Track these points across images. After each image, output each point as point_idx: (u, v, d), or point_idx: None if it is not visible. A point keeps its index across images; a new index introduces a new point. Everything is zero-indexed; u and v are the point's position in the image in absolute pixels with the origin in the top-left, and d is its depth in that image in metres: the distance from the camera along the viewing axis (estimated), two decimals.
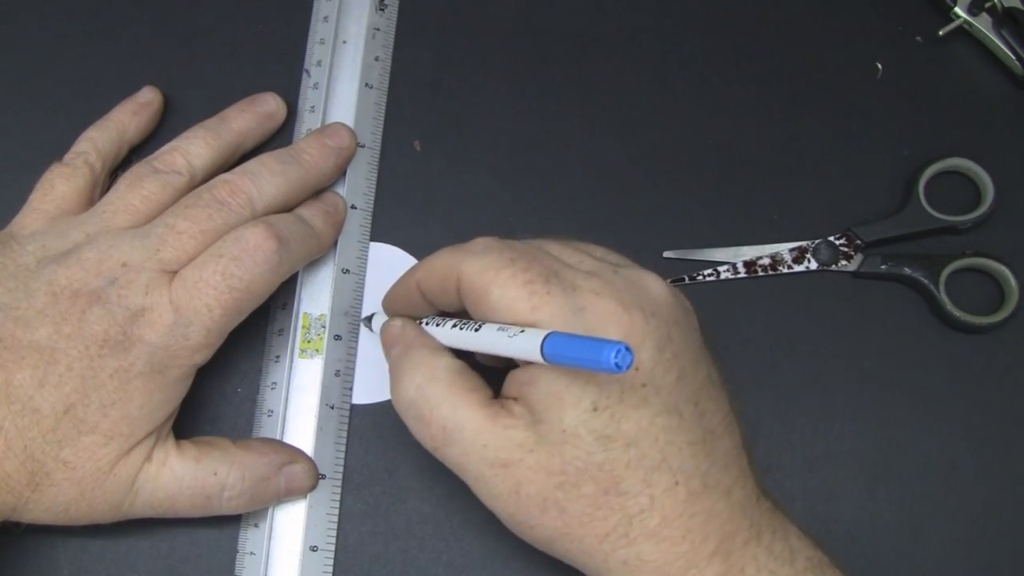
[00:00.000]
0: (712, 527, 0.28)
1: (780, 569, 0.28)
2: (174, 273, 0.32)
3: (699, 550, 0.28)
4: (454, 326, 0.30)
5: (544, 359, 0.25)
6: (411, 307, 0.33)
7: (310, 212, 0.36)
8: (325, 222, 0.36)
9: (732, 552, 0.28)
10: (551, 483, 0.28)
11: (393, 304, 0.34)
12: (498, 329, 0.27)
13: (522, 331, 0.26)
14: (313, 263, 0.37)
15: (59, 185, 0.35)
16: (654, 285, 0.29)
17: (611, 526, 0.27)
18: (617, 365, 0.23)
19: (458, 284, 0.29)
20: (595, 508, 0.27)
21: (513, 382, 0.29)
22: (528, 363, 0.28)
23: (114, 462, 0.31)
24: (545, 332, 0.25)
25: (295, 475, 0.34)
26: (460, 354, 0.31)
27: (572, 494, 0.27)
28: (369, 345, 0.38)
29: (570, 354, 0.24)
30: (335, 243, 0.38)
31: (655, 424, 0.27)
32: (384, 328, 0.33)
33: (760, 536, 0.29)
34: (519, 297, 0.27)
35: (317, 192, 0.38)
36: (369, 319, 0.37)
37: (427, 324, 0.32)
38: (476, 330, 0.28)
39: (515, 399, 0.29)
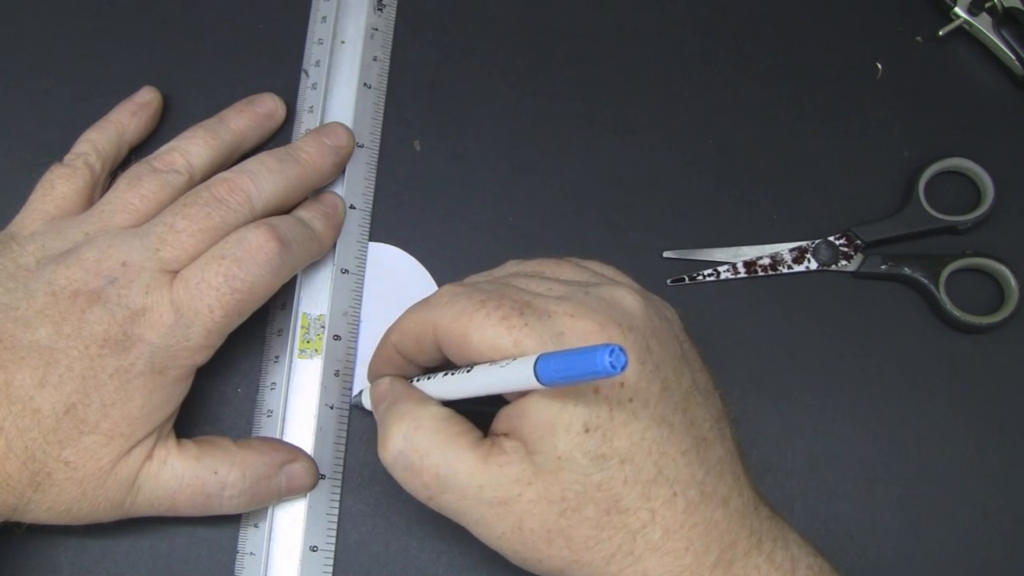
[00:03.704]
0: (713, 537, 0.28)
1: None
2: (174, 273, 0.32)
3: (702, 561, 0.27)
4: (444, 375, 0.30)
5: (539, 382, 0.25)
6: (395, 370, 0.33)
7: (310, 214, 0.36)
8: (325, 224, 0.36)
9: (734, 562, 0.28)
10: (553, 512, 0.27)
11: (377, 372, 0.34)
12: (489, 366, 0.27)
13: (514, 359, 0.26)
14: (312, 263, 0.37)
15: (59, 185, 0.35)
16: (627, 299, 0.29)
17: (616, 545, 0.27)
18: (612, 365, 0.22)
19: (435, 338, 0.29)
20: (599, 530, 0.27)
21: (503, 418, 0.29)
22: (518, 397, 0.28)
23: (115, 461, 0.31)
24: (535, 355, 0.25)
25: (295, 473, 0.34)
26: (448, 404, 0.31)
27: (575, 520, 0.27)
28: (368, 345, 0.38)
29: (564, 369, 0.24)
30: (334, 244, 0.38)
31: (646, 437, 0.27)
32: (372, 388, 0.33)
33: (761, 545, 0.29)
34: (498, 334, 0.27)
35: (316, 192, 0.38)
36: (359, 397, 0.36)
37: (417, 381, 0.32)
38: (468, 371, 0.28)
39: (506, 435, 0.28)
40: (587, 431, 0.27)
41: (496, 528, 0.28)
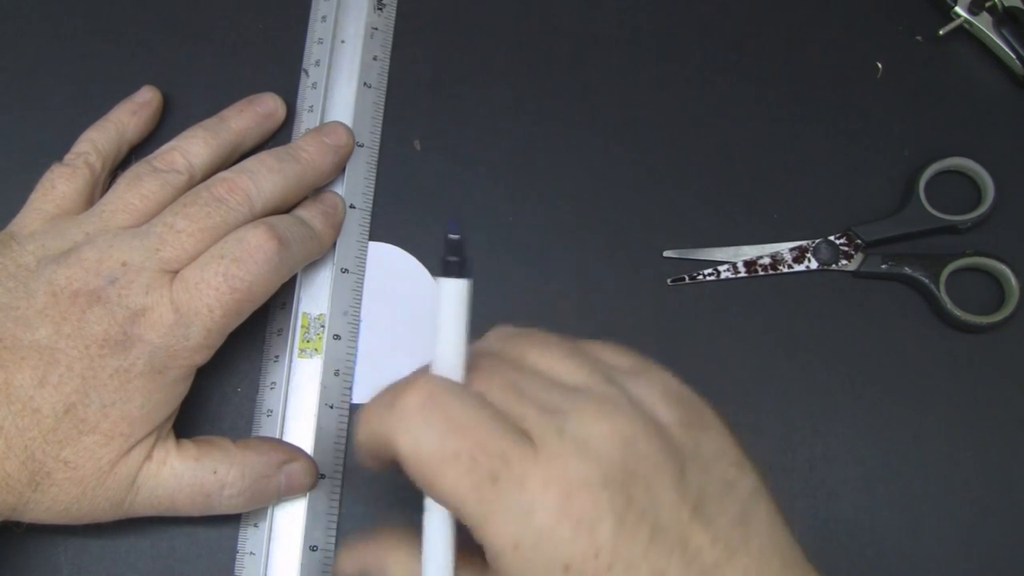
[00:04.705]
0: None
1: None
2: (174, 273, 0.32)
3: None
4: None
5: None
6: (382, 466, 0.28)
7: (310, 213, 0.36)
8: (325, 223, 0.36)
9: None
10: None
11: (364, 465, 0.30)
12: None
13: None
14: (312, 263, 0.37)
15: (59, 185, 0.35)
16: (603, 437, 0.25)
17: None
18: None
19: (397, 457, 0.26)
20: None
21: None
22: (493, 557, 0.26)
23: (115, 461, 0.31)
24: None
25: (295, 473, 0.34)
26: None
27: None
28: (368, 345, 0.38)
29: None
30: (334, 243, 0.38)
31: None
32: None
33: None
34: (467, 502, 0.25)
35: (316, 191, 0.38)
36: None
37: None
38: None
39: None
40: None
41: None
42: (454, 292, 0.26)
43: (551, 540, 0.24)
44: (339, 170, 0.38)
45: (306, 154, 0.36)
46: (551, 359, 0.28)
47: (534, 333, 0.29)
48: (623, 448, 0.25)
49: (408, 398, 0.25)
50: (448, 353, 0.26)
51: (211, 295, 0.31)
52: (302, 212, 0.36)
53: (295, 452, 0.35)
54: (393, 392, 0.26)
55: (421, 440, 0.25)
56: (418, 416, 0.25)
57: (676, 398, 0.28)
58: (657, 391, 0.27)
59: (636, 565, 0.24)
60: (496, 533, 0.24)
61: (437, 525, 0.26)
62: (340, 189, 0.38)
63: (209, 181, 0.34)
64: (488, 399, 0.26)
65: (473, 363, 0.27)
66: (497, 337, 0.29)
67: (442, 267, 0.26)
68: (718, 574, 0.25)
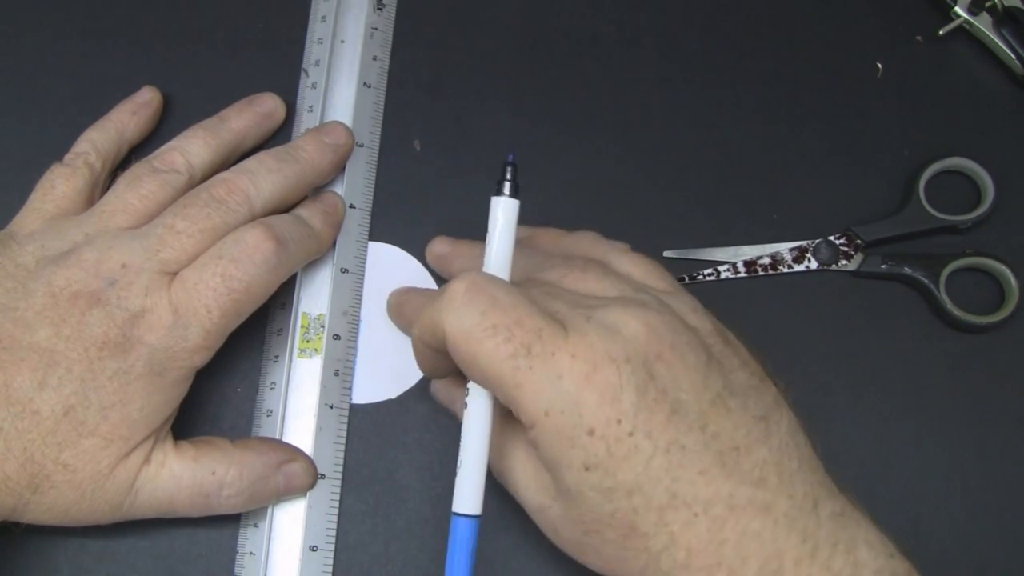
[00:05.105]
0: (751, 549, 0.26)
1: None
2: (173, 274, 0.32)
3: (739, 575, 0.26)
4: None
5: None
6: (437, 362, 0.31)
7: (309, 212, 0.36)
8: (324, 222, 0.36)
9: (781, 573, 0.26)
10: (578, 531, 0.28)
11: (424, 371, 0.33)
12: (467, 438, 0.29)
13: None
14: (312, 263, 0.37)
15: (59, 185, 0.35)
16: (629, 325, 0.28)
17: (643, 563, 0.27)
18: None
19: (443, 340, 0.28)
20: (623, 550, 0.27)
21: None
22: (528, 426, 0.28)
23: (114, 464, 0.31)
24: (455, 512, 0.29)
25: (294, 473, 0.34)
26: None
27: (598, 540, 0.28)
28: (368, 345, 0.38)
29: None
30: (334, 243, 0.38)
31: (652, 466, 0.26)
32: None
33: (816, 552, 0.26)
34: (504, 371, 0.27)
35: (315, 191, 0.38)
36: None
37: None
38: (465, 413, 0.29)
39: None
40: (587, 469, 0.27)
41: (543, 527, 0.30)
42: (507, 209, 0.30)
43: (577, 406, 0.26)
44: (339, 169, 0.38)
45: (305, 154, 0.36)
46: (586, 282, 0.31)
47: (573, 261, 0.32)
48: (647, 332, 0.28)
49: (454, 285, 0.28)
50: (496, 260, 0.30)
51: (209, 296, 0.31)
52: (301, 212, 0.36)
53: (294, 452, 0.35)
54: (442, 287, 0.29)
55: (464, 317, 0.27)
56: (462, 298, 0.28)
57: (706, 315, 0.31)
58: (688, 306, 0.30)
59: (656, 435, 0.27)
60: (529, 400, 0.27)
61: (477, 410, 0.29)
62: (340, 189, 0.38)
63: (209, 182, 0.34)
64: (529, 292, 0.29)
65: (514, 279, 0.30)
66: (534, 261, 0.33)
67: (499, 186, 0.30)
68: (735, 457, 0.27)
